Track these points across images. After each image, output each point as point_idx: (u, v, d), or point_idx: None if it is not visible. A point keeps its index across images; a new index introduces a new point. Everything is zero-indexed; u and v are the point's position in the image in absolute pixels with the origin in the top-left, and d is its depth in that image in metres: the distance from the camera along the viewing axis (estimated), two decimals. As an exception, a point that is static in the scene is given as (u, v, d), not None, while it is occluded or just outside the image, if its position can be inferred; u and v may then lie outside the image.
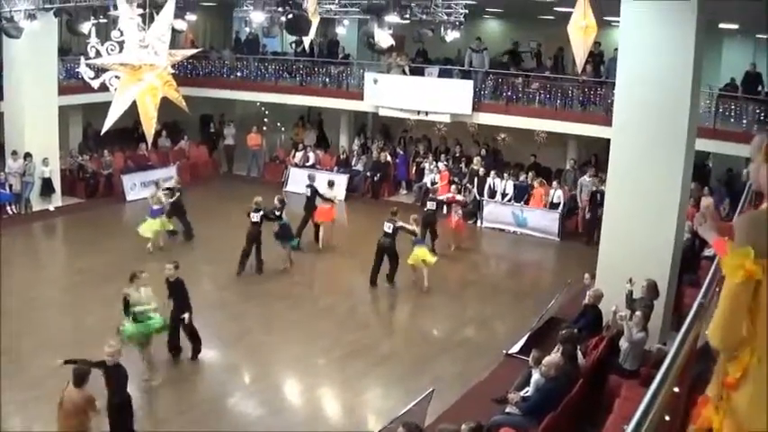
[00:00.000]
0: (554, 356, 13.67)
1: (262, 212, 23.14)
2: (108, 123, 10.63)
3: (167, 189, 25.67)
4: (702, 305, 6.78)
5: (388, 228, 22.50)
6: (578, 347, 14.54)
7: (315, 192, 26.49)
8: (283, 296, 21.68)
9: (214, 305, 19.66)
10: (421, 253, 22.77)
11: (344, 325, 19.86)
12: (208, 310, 18.51)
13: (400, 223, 22.44)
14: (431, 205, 25.99)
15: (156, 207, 24.61)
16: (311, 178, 27.43)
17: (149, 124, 10.94)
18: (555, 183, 29.60)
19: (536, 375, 13.69)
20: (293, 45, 38.05)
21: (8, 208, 29.14)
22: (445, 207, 27.32)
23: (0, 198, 28.79)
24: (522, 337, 18.18)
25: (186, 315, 16.68)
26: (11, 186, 29.19)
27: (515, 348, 17.94)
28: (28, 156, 29.22)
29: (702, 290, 7.18)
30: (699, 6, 16.34)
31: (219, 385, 16.45)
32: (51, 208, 30.14)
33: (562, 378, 13.24)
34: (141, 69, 10.54)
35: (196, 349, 17.26)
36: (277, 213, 23.41)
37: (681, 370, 6.08)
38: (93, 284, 21.60)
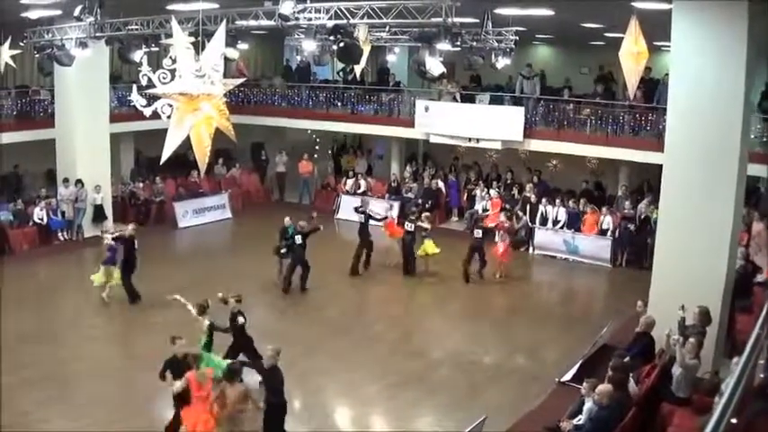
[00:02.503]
0: (607, 384, 13.58)
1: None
2: (166, 153, 10.72)
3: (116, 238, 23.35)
4: (760, 336, 6.71)
5: (409, 227, 25.92)
6: (631, 375, 14.43)
7: (369, 217, 26.74)
8: (333, 324, 21.71)
9: (264, 332, 19.69)
10: (428, 246, 26.43)
11: (395, 353, 19.83)
12: (258, 337, 18.53)
13: (419, 223, 25.95)
14: (477, 233, 25.95)
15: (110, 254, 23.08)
16: (365, 203, 27.49)
17: (203, 153, 11.00)
18: (605, 209, 29.45)
19: (589, 403, 13.59)
20: (341, 74, 38.14)
21: (60, 234, 29.50)
22: (497, 235, 27.04)
23: (52, 224, 29.18)
24: (574, 365, 18.08)
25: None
26: (63, 213, 29.64)
27: (568, 376, 17.85)
28: (79, 182, 29.54)
29: (760, 320, 7.11)
30: (749, 30, 16.26)
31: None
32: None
33: (615, 406, 13.14)
34: (198, 99, 10.61)
35: None
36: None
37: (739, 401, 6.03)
38: (143, 312, 21.74)
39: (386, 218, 27.53)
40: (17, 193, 31.09)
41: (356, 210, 27.32)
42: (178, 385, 13.98)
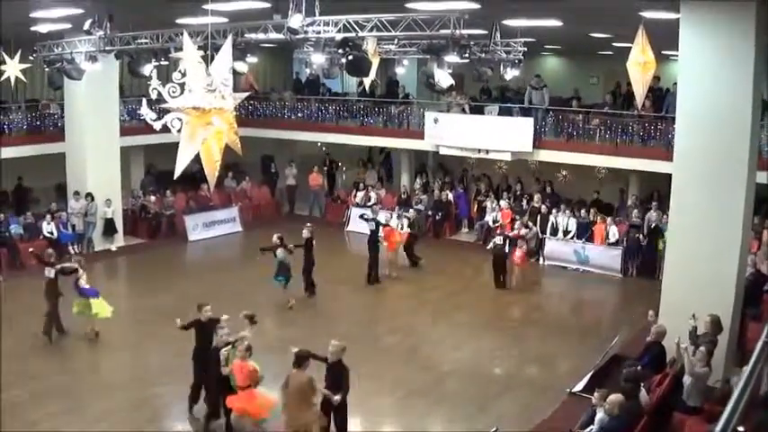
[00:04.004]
0: (617, 394, 13.57)
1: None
2: (179, 168, 10.77)
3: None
4: (767, 344, 6.71)
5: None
6: (642, 384, 14.42)
7: (378, 223, 27.02)
8: (344, 335, 21.57)
9: (276, 345, 19.73)
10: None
11: (406, 364, 19.82)
12: (270, 350, 18.55)
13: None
14: (499, 240, 26.15)
15: (86, 286, 20.98)
16: (374, 212, 27.57)
17: (213, 168, 11.03)
18: (609, 219, 29.55)
19: (600, 413, 13.59)
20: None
21: (71, 248, 29.55)
22: (508, 243, 27.02)
23: (63, 238, 29.30)
24: (585, 375, 18.06)
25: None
26: (74, 226, 29.85)
27: (579, 386, 17.83)
28: (89, 196, 29.77)
29: (767, 328, 7.11)
30: (756, 38, 16.28)
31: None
32: (113, 248, 30.54)
33: (626, 416, 13.14)
34: (210, 113, 10.66)
35: None
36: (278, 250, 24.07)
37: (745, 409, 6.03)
38: (155, 324, 21.71)
39: (387, 225, 27.67)
40: (24, 205, 31.29)
41: (365, 218, 27.45)
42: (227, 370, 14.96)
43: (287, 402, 14.31)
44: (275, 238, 23.93)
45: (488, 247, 27.46)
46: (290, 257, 23.96)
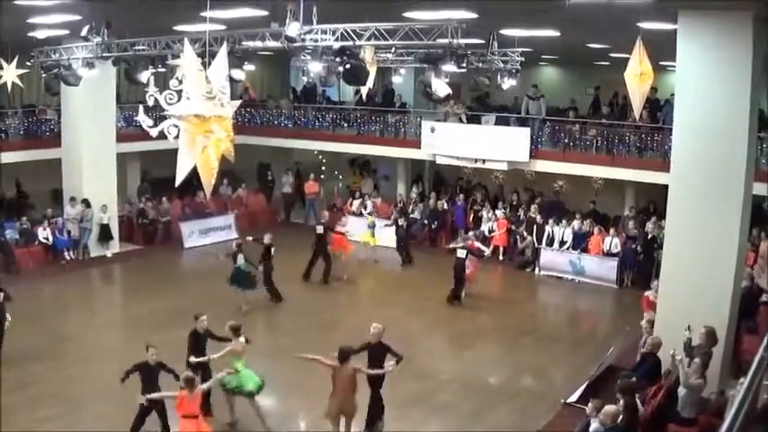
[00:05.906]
0: (613, 406, 13.53)
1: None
2: (180, 176, 10.72)
3: None
4: (764, 357, 6.68)
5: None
6: (637, 396, 14.40)
7: (326, 228, 27.79)
8: (339, 343, 21.57)
9: (270, 352, 19.68)
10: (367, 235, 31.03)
11: (401, 374, 19.62)
12: (263, 357, 18.50)
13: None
14: (460, 253, 25.70)
15: None
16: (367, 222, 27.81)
17: (210, 174, 10.98)
18: (612, 230, 29.41)
19: (594, 424, 13.55)
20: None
21: (66, 253, 29.56)
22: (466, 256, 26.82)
23: (58, 244, 29.30)
24: (580, 386, 18.03)
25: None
26: (69, 232, 29.81)
27: (573, 397, 17.80)
28: (85, 202, 29.81)
29: (765, 341, 7.09)
30: (754, 49, 16.29)
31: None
32: (109, 254, 30.50)
33: (620, 427, 13.11)
34: (210, 120, 10.63)
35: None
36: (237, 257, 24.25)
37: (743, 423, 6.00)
38: (150, 330, 21.57)
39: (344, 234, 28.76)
40: (21, 210, 31.29)
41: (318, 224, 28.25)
42: (154, 396, 15.19)
43: (335, 391, 15.47)
44: (234, 245, 24.60)
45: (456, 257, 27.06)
46: (252, 268, 24.43)
